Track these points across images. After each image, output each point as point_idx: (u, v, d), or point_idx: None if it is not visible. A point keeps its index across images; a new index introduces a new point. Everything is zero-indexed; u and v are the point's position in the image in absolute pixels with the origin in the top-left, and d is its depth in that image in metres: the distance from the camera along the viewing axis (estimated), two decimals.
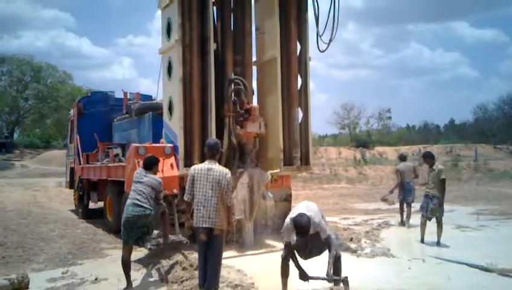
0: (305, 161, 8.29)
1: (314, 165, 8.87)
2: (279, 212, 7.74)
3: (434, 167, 7.70)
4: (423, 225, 7.78)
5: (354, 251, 6.92)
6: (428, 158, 7.86)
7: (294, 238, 4.57)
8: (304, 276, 4.67)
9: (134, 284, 5.38)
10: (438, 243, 7.50)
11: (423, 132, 61.36)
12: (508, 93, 52.07)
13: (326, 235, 4.55)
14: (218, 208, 4.57)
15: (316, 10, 8.23)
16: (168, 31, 7.53)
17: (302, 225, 4.32)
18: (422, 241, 7.70)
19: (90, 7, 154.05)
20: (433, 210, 7.57)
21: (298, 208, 4.76)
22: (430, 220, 7.71)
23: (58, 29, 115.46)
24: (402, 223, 9.82)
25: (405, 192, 9.77)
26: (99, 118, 11.97)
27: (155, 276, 5.88)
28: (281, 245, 7.33)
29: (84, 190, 11.54)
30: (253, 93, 8.30)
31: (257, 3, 8.47)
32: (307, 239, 4.54)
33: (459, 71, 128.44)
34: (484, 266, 5.83)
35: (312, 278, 4.67)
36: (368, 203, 14.49)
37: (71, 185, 13.26)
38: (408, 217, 9.78)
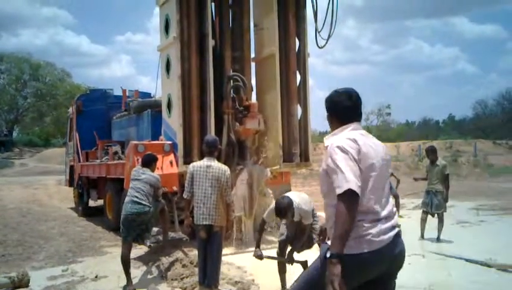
0: (305, 157, 8.28)
1: (314, 161, 8.86)
2: None
3: (438, 163, 7.70)
4: (423, 221, 7.78)
5: None
6: (434, 153, 7.84)
7: (283, 227, 4.68)
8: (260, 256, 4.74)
9: (134, 281, 5.39)
10: (438, 239, 7.51)
11: (423, 128, 61.34)
12: (508, 89, 52.01)
13: (309, 221, 4.62)
14: (217, 205, 4.57)
15: (315, 6, 8.20)
16: (166, 28, 7.51)
17: (280, 206, 4.37)
18: (422, 236, 7.70)
19: (88, 5, 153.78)
20: (438, 206, 7.58)
21: (288, 193, 4.81)
22: (433, 216, 7.72)
23: (56, 27, 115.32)
24: None
25: None
26: (98, 116, 11.94)
27: (155, 273, 5.89)
28: None
29: (84, 187, 11.53)
30: (252, 90, 8.28)
31: None
32: (296, 229, 4.66)
33: (459, 67, 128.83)
34: (484, 261, 5.84)
35: (269, 257, 4.79)
36: None
37: (71, 183, 13.25)
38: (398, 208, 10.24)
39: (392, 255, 2.33)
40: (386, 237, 2.29)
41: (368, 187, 2.29)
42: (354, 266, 2.23)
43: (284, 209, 4.34)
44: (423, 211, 7.84)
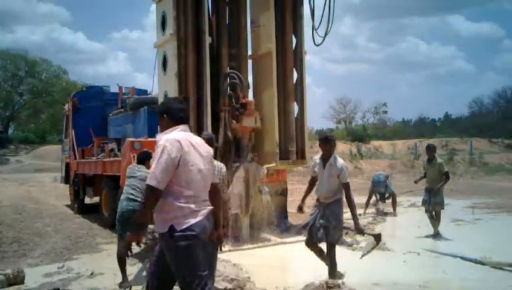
0: (301, 155, 8.29)
1: (310, 159, 8.86)
2: (275, 207, 7.75)
3: (435, 161, 7.72)
4: (431, 218, 7.74)
5: (349, 245, 6.94)
6: (432, 151, 7.86)
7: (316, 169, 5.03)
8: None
9: (130, 278, 5.37)
10: (434, 237, 7.53)
11: (419, 126, 61.45)
12: (504, 87, 52.17)
13: (346, 181, 4.86)
14: None
15: (312, 3, 8.19)
16: (163, 24, 7.48)
17: (326, 135, 5.04)
18: (437, 233, 7.62)
19: (85, 2, 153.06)
20: (435, 203, 7.60)
21: None
22: (430, 213, 7.73)
23: (53, 24, 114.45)
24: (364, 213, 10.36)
25: (374, 184, 10.77)
26: (94, 113, 11.93)
27: None
28: (276, 239, 7.38)
29: (80, 184, 11.51)
30: (248, 88, 8.27)
31: None
32: (324, 209, 4.92)
33: (455, 65, 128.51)
34: (478, 259, 5.86)
35: (345, 228, 5.22)
36: (363, 197, 14.49)
37: (66, 180, 13.21)
38: (394, 206, 10.43)
39: (210, 225, 3.05)
40: (205, 211, 2.98)
41: (190, 178, 2.90)
42: (190, 238, 2.82)
43: (331, 137, 4.95)
44: (426, 210, 7.84)
